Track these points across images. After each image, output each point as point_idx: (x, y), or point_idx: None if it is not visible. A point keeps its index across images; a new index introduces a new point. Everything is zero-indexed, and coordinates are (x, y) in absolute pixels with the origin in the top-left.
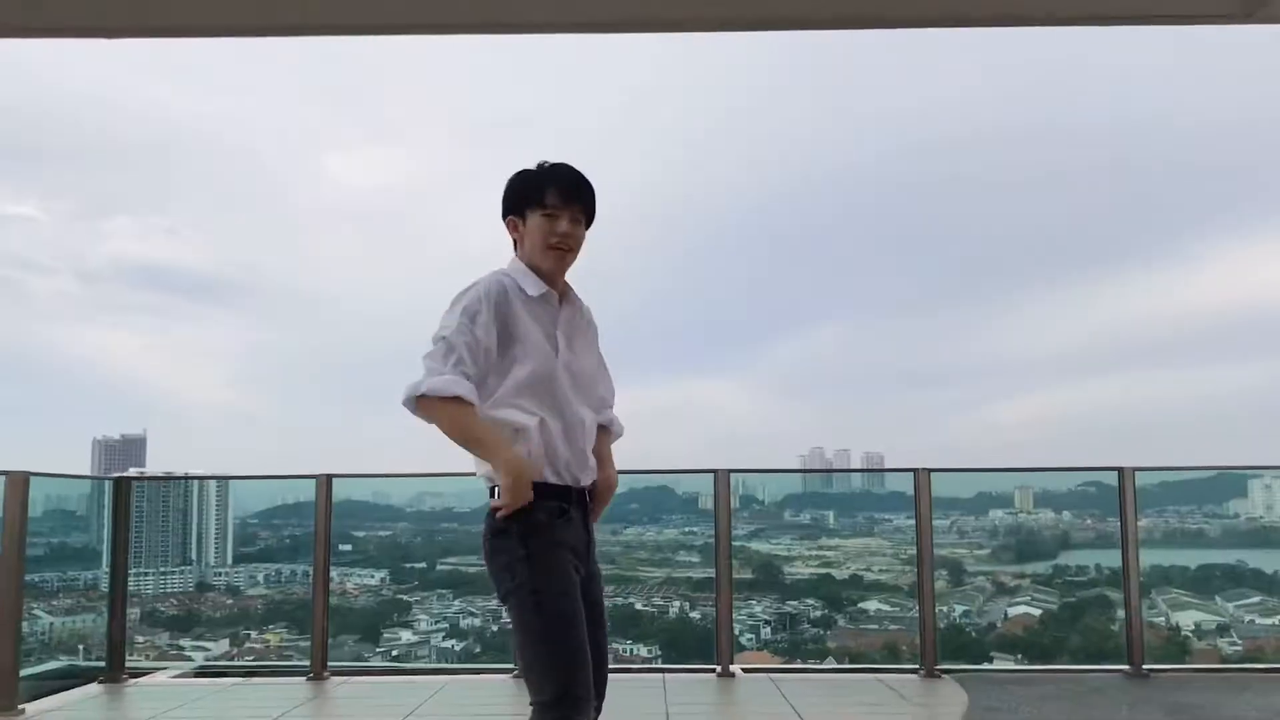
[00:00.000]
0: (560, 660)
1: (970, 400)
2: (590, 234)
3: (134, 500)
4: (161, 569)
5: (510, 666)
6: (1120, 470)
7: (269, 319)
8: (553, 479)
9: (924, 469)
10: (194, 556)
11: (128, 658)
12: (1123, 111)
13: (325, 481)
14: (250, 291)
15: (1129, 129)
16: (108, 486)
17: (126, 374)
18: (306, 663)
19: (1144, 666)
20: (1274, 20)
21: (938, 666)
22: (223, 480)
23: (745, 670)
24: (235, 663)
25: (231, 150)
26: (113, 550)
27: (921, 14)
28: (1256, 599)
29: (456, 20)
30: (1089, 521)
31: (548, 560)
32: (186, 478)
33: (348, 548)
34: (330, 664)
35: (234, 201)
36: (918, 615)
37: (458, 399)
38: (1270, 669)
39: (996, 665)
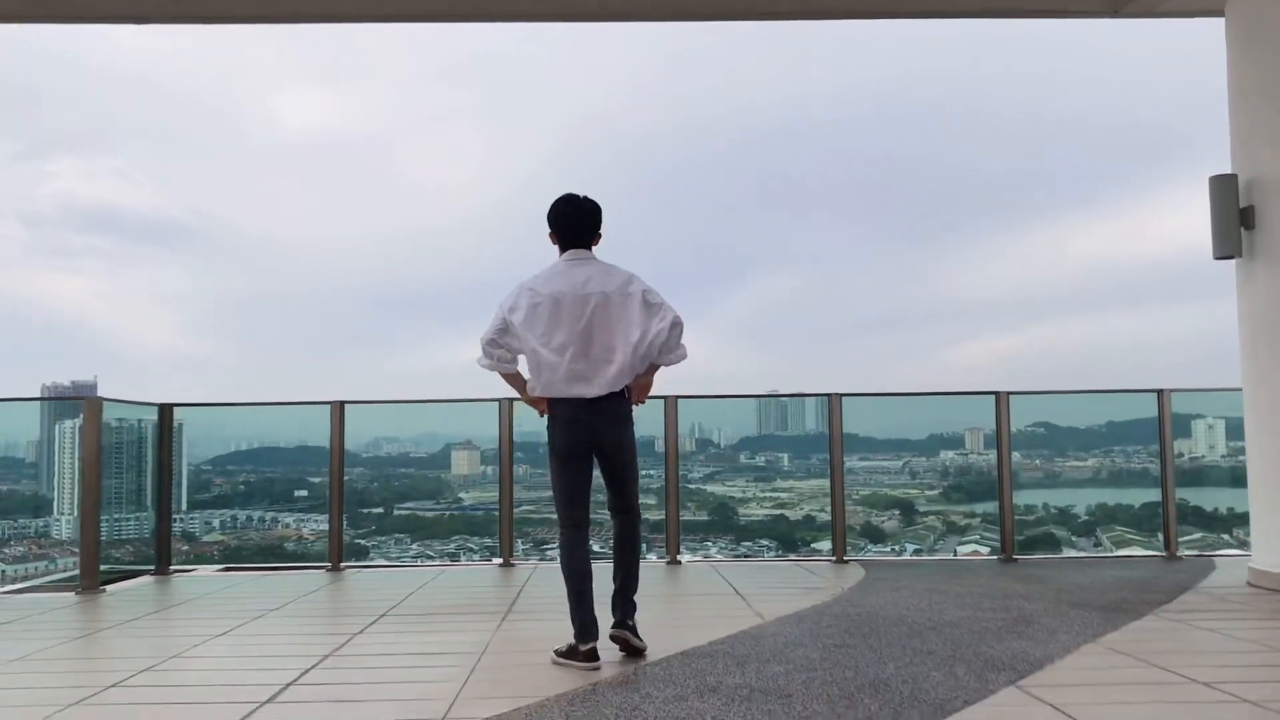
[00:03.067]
0: (557, 495)
1: (925, 344)
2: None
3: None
4: (116, 515)
5: (498, 559)
6: (996, 395)
7: (221, 263)
8: (557, 395)
9: (836, 394)
10: (149, 502)
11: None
12: (1081, 54)
13: (339, 407)
14: (202, 235)
15: (1088, 71)
16: (153, 414)
17: (75, 319)
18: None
19: (1014, 555)
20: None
21: (845, 556)
22: (230, 406)
23: (690, 561)
24: (253, 563)
25: (182, 91)
26: (158, 470)
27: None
28: (1197, 535)
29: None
30: (1037, 462)
31: (555, 439)
32: (220, 405)
33: (303, 493)
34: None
35: (185, 143)
36: (831, 513)
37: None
38: (1117, 556)
39: (894, 557)
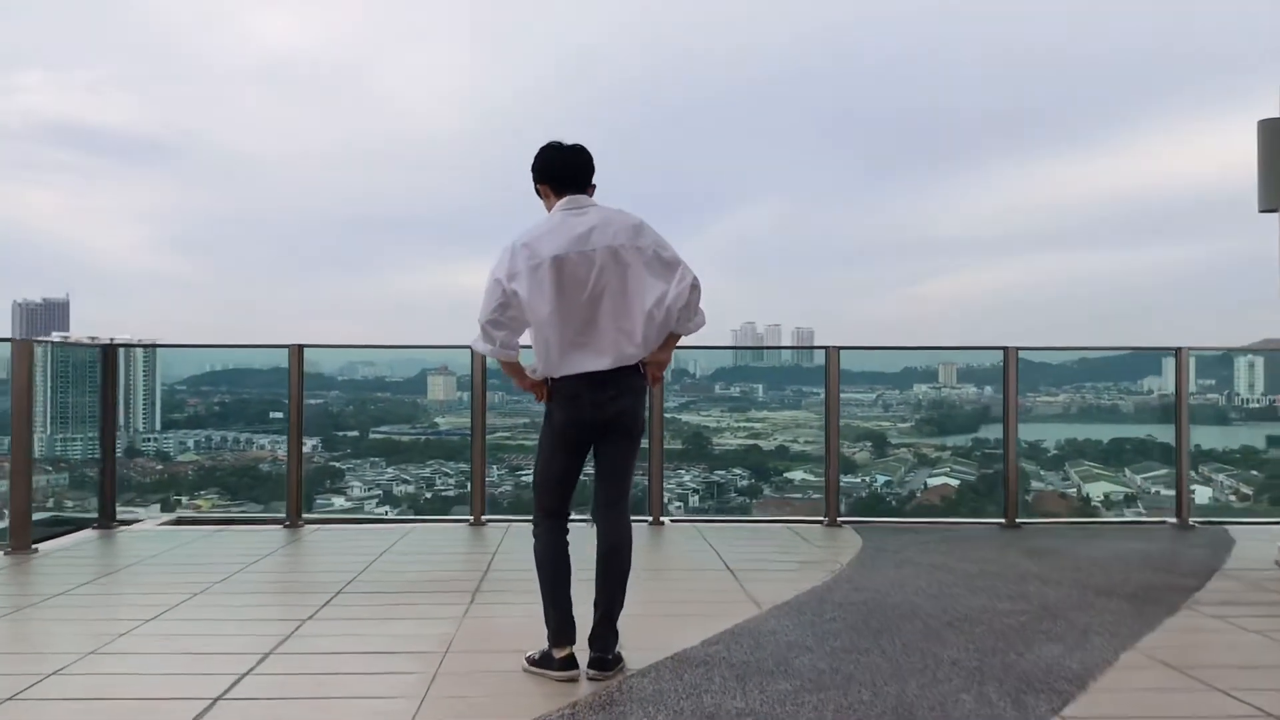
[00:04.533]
0: (542, 481)
1: (897, 279)
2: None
3: (52, 370)
4: (90, 434)
5: (467, 517)
6: (1005, 350)
7: (194, 180)
8: (562, 373)
9: (834, 346)
10: (122, 422)
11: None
12: None
13: (297, 351)
14: (175, 151)
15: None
16: (97, 354)
17: (46, 235)
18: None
19: (1016, 520)
20: None
21: (839, 519)
22: (181, 348)
23: (674, 521)
24: (214, 514)
25: (154, 3)
26: (102, 411)
27: None
28: (1163, 471)
29: None
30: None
31: (554, 416)
32: (155, 345)
33: (278, 415)
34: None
35: (158, 57)
36: (824, 471)
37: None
38: (1125, 522)
39: (888, 518)
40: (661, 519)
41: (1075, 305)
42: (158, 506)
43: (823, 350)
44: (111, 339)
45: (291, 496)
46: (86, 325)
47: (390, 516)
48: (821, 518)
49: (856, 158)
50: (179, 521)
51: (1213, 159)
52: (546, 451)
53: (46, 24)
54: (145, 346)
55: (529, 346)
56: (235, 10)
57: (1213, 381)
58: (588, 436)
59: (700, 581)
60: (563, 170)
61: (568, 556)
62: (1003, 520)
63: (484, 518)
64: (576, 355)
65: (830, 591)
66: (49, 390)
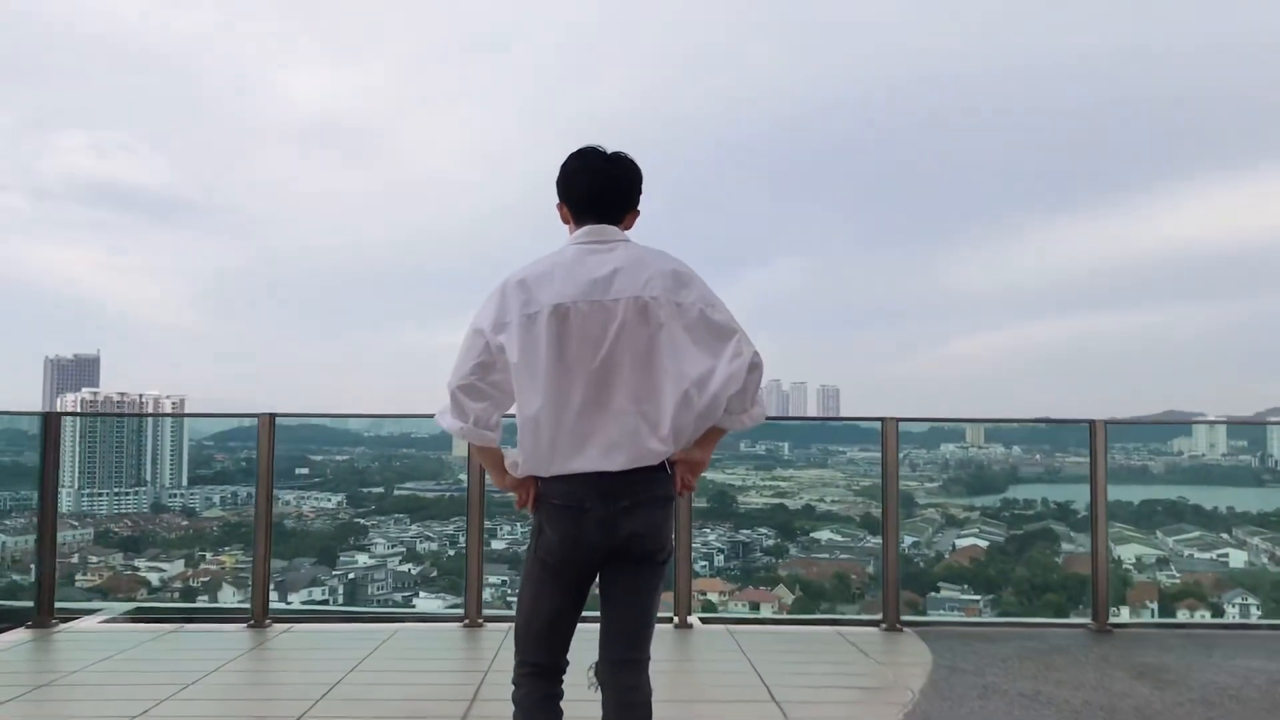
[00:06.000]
0: (524, 626)
1: (925, 336)
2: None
3: (80, 429)
4: (116, 489)
5: (460, 611)
6: (1091, 423)
7: (227, 239)
8: (552, 472)
9: (892, 418)
10: (148, 477)
11: (56, 601)
12: (1089, 49)
13: (268, 421)
14: (208, 211)
15: (1093, 70)
16: (37, 422)
17: (80, 293)
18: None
19: (1109, 624)
20: None
21: (900, 621)
22: (161, 417)
23: (703, 620)
24: (173, 603)
25: (192, 66)
26: (40, 488)
27: None
28: (1195, 534)
29: None
30: (1038, 456)
31: (541, 537)
32: (121, 414)
33: (304, 470)
34: (273, 608)
35: (194, 120)
36: (880, 565)
37: None
38: (1230, 625)
39: (957, 617)
40: (689, 619)
41: (1105, 365)
42: (181, 562)
43: (878, 422)
44: (119, 400)
45: (258, 591)
46: (117, 381)
47: (374, 611)
48: (877, 618)
49: (881, 218)
50: (136, 614)
51: (1239, 219)
52: (532, 585)
53: (85, 87)
54: (89, 415)
55: (513, 416)
56: (268, 74)
57: (1244, 443)
58: (587, 564)
59: (739, 715)
60: (590, 187)
61: None
62: (1090, 622)
63: (481, 618)
64: (577, 447)
65: None
66: None
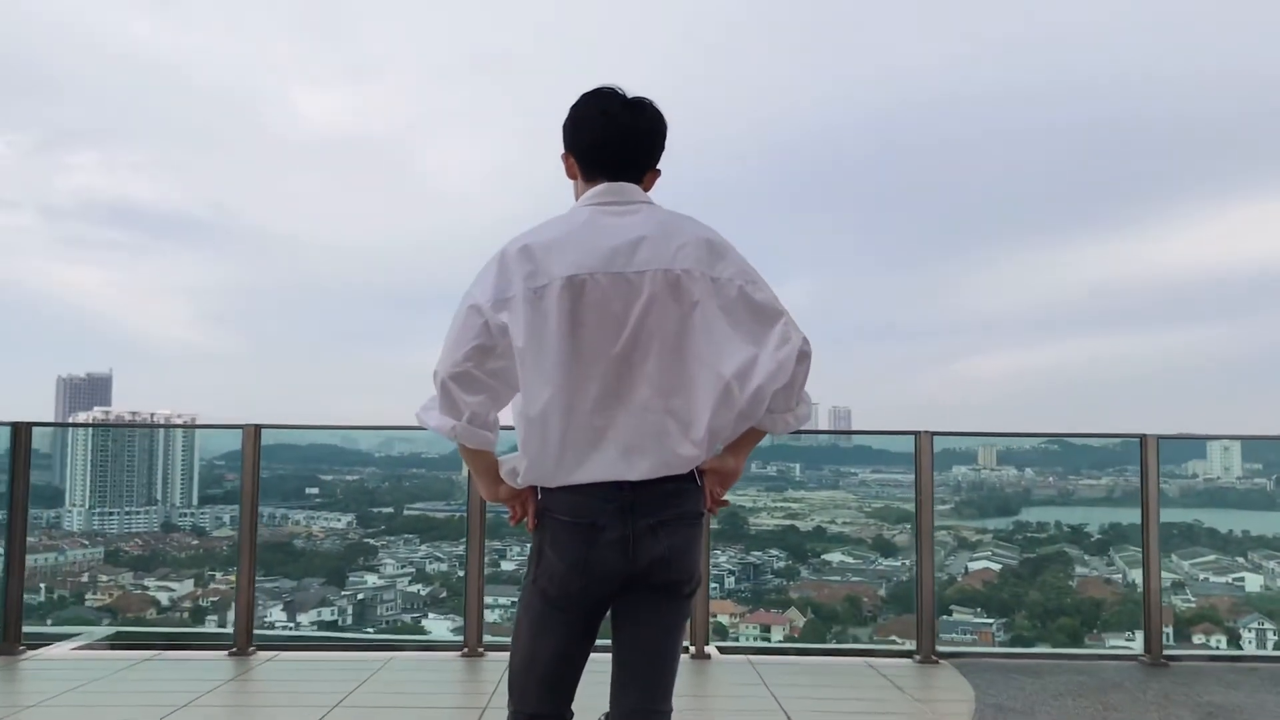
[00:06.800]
0: (519, 668)
1: (937, 357)
2: (561, 180)
3: (93, 447)
4: (127, 508)
5: (459, 640)
6: (1142, 438)
7: (237, 257)
8: (557, 482)
9: (927, 432)
10: (159, 496)
11: (24, 627)
12: (1105, 70)
13: (253, 433)
14: (218, 229)
15: (1110, 90)
16: (4, 433)
17: (92, 312)
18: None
19: (1164, 656)
20: None
21: (936, 652)
22: (142, 427)
23: (721, 650)
24: (153, 629)
25: (203, 85)
26: (10, 508)
27: None
28: (1211, 557)
29: None
30: (1050, 479)
31: (542, 563)
32: (93, 424)
33: (314, 490)
34: (259, 633)
35: (203, 137)
36: (914, 593)
37: None
38: None
39: (998, 648)
40: (706, 649)
41: (1117, 385)
42: (191, 581)
43: (911, 436)
44: (94, 419)
45: (241, 615)
46: (129, 399)
47: (368, 638)
48: (910, 647)
49: (890, 238)
50: (115, 640)
51: (1236, 243)
52: (531, 621)
53: (97, 105)
54: (60, 425)
55: (510, 427)
56: (280, 92)
57: (1259, 465)
58: (596, 595)
59: None
60: (605, 136)
61: None
62: (1143, 654)
63: (481, 647)
64: (591, 450)
65: None
66: None
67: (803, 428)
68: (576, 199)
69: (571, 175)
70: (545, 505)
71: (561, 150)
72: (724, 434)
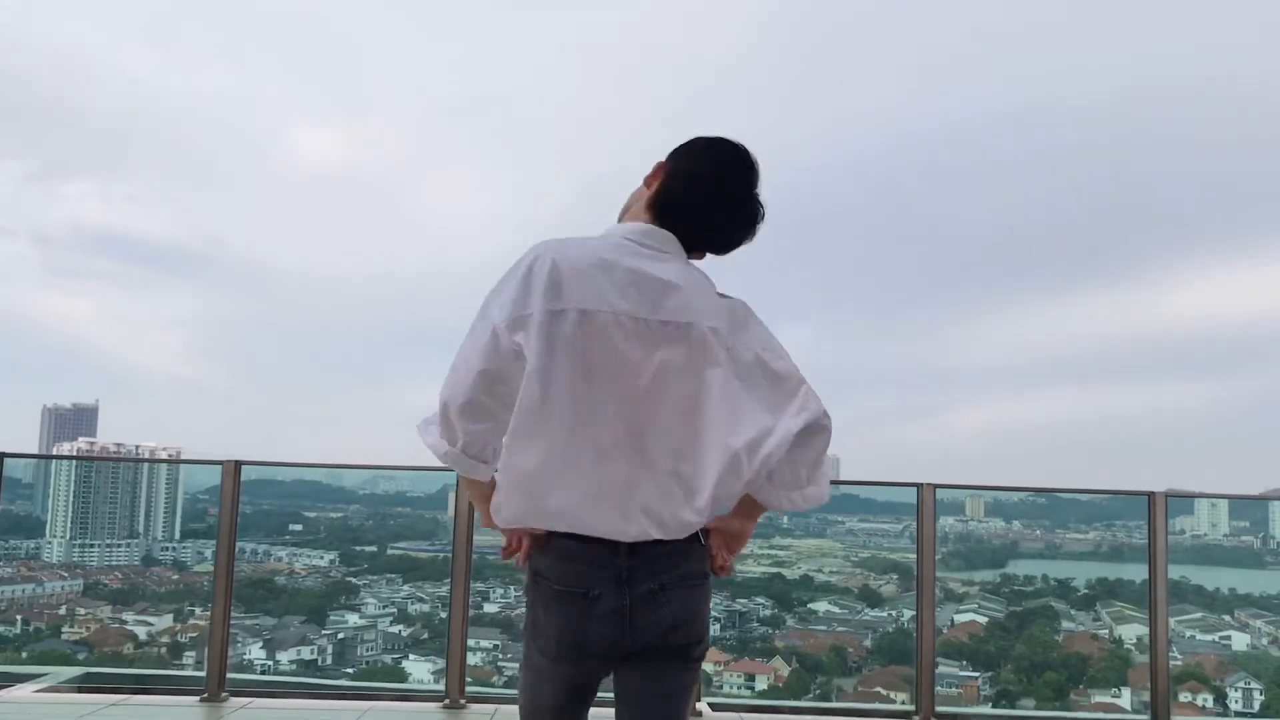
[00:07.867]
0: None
1: (926, 408)
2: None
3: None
4: (108, 541)
5: (442, 691)
6: (1150, 495)
7: (229, 291)
8: (557, 527)
9: (929, 484)
10: (141, 529)
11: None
12: (1112, 106)
13: (233, 469)
14: (211, 262)
15: (1116, 130)
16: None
17: (82, 341)
18: (251, 650)
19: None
20: None
21: (936, 710)
22: (114, 461)
23: (713, 708)
24: (123, 670)
25: (198, 119)
26: None
27: None
28: (1198, 615)
29: None
30: (1038, 532)
31: (539, 621)
32: (74, 456)
33: (298, 527)
34: (233, 677)
35: (199, 170)
36: (914, 649)
37: None
38: None
39: (1001, 711)
40: (698, 705)
41: (1108, 440)
42: (170, 616)
43: (913, 488)
44: (78, 450)
45: (214, 659)
46: (115, 431)
47: (347, 686)
48: (909, 708)
49: (877, 290)
50: (83, 682)
51: (1234, 299)
52: (532, 675)
53: (95, 137)
54: (35, 457)
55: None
56: (277, 129)
57: (1246, 523)
58: (596, 660)
59: None
60: (709, 211)
61: None
62: (1145, 716)
63: (464, 698)
64: (589, 502)
65: None
66: None
67: (823, 502)
68: (625, 211)
69: (647, 185)
70: (536, 568)
71: (661, 159)
72: (728, 502)
